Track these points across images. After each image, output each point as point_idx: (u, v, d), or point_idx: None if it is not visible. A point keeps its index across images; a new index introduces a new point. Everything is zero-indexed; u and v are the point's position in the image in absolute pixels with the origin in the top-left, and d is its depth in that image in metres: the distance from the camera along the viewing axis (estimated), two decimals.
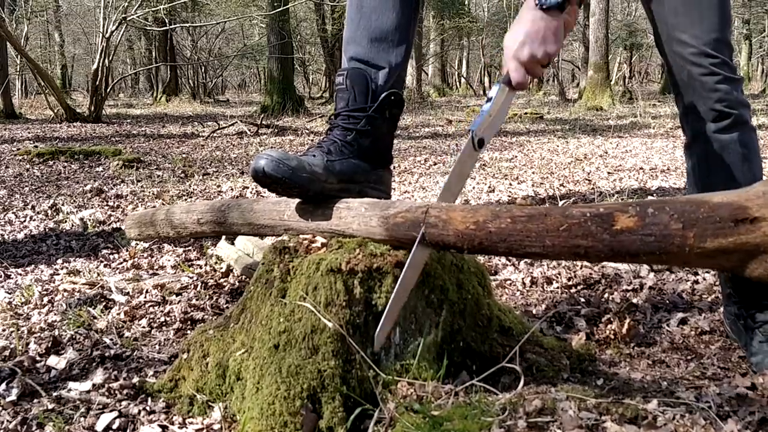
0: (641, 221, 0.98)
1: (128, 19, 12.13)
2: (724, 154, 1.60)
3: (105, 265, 2.83)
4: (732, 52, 1.60)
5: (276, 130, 9.45)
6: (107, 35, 11.71)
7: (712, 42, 1.54)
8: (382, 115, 1.52)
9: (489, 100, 1.33)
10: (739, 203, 0.93)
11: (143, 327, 2.03)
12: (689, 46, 1.55)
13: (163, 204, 4.17)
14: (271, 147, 7.54)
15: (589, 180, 4.85)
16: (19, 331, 1.96)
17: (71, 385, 1.59)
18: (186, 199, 4.40)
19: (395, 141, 1.65)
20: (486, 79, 27.93)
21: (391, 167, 1.65)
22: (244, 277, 2.48)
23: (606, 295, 2.16)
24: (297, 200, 1.48)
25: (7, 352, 1.81)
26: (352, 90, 1.49)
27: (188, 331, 1.95)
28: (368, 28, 1.54)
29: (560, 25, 1.29)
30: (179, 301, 2.22)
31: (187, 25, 17.88)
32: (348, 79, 1.50)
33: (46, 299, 2.32)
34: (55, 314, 2.15)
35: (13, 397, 1.53)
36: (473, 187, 4.57)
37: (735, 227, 0.92)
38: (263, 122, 9.87)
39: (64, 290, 2.42)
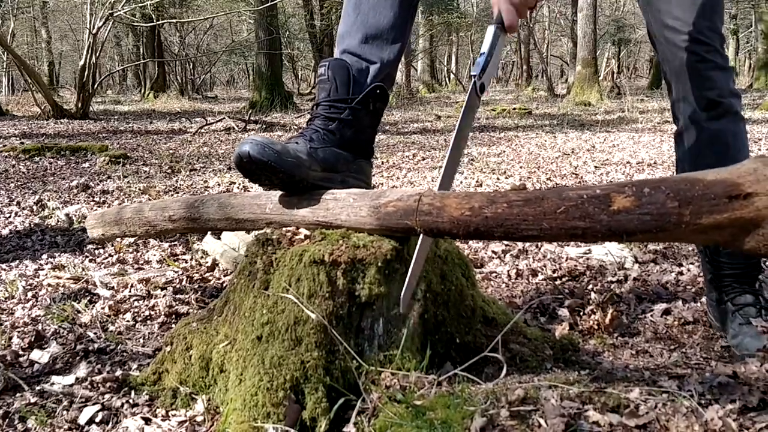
0: (638, 201, 1.00)
1: (115, 15, 12.05)
2: (714, 142, 1.61)
3: (90, 260, 2.81)
4: (723, 41, 1.60)
5: (264, 126, 9.42)
6: (94, 31, 11.63)
7: (704, 29, 1.54)
8: (366, 107, 1.51)
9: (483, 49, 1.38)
10: (732, 180, 0.95)
11: (128, 321, 2.02)
12: (681, 33, 1.55)
13: (149, 199, 4.15)
14: None
15: (576, 174, 4.87)
16: (2, 326, 1.95)
17: (54, 378, 1.59)
18: (173, 195, 4.38)
19: (383, 136, 1.65)
20: None
21: (372, 161, 1.64)
22: (229, 270, 2.47)
23: (590, 287, 2.16)
24: (279, 193, 1.47)
25: None
26: (334, 81, 1.49)
27: (173, 325, 1.94)
28: (365, 24, 1.54)
29: None
30: (164, 295, 2.21)
31: (175, 20, 17.77)
32: (330, 70, 1.49)
33: (30, 294, 2.31)
34: (39, 309, 2.13)
35: None
36: (461, 182, 4.57)
37: (729, 203, 0.94)
38: (251, 118, 9.83)
39: (49, 285, 2.41)
